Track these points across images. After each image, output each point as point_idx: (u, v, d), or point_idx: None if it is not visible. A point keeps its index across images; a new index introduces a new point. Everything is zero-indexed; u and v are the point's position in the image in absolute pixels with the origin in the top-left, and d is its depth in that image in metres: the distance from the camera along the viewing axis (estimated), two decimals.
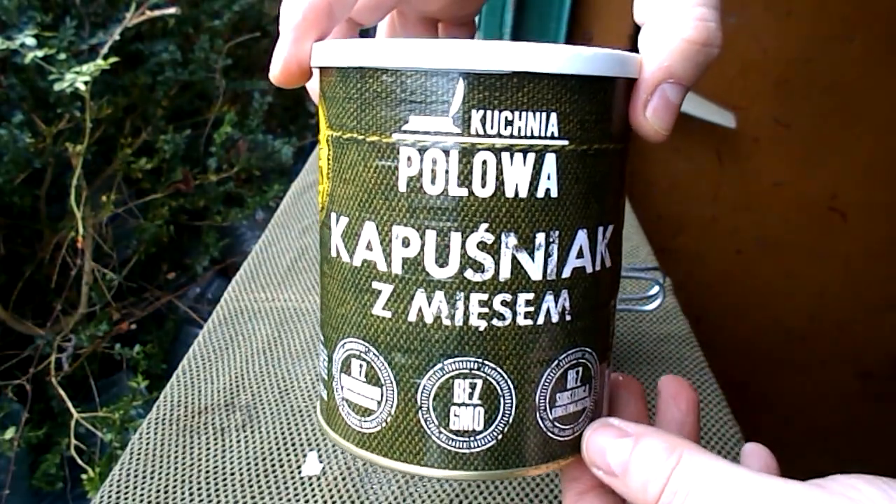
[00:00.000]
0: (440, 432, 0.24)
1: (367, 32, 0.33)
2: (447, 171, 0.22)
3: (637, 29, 0.25)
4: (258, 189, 1.55)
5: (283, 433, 0.45)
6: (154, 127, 1.36)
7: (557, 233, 0.23)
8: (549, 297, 0.24)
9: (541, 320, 0.24)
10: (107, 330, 1.24)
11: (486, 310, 0.23)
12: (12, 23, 1.10)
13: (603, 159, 0.24)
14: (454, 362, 0.24)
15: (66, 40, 1.12)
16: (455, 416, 0.24)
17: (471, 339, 0.23)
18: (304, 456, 0.43)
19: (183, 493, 0.41)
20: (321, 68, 0.25)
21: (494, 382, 0.24)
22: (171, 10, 1.24)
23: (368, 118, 0.23)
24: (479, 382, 0.24)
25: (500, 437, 0.24)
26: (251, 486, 0.41)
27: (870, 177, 1.15)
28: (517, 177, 0.22)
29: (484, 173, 0.22)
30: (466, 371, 0.24)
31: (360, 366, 0.25)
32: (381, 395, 0.25)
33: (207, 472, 0.42)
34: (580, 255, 0.24)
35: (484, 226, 0.23)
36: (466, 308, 0.23)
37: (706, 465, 0.22)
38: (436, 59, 0.22)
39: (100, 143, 1.27)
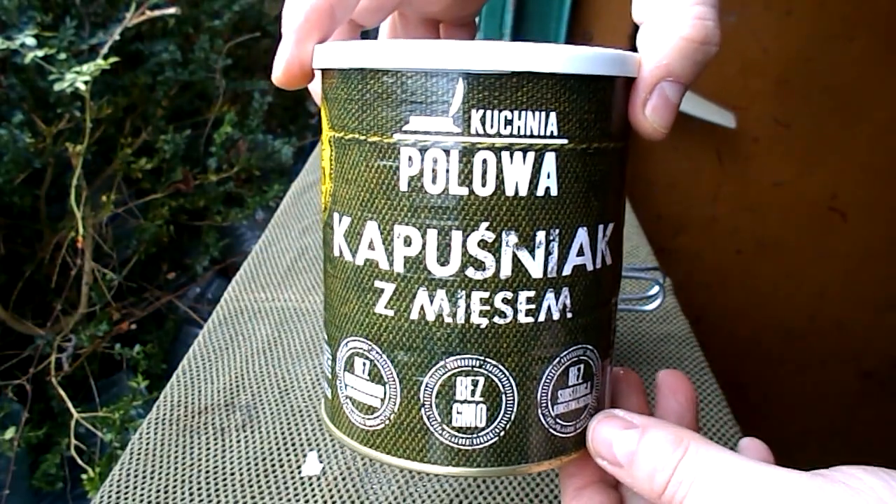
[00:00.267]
0: (443, 429, 0.24)
1: (368, 34, 0.33)
2: (448, 171, 0.22)
3: (637, 28, 0.25)
4: (258, 189, 1.55)
5: (283, 433, 0.45)
6: (154, 127, 1.36)
7: (558, 231, 0.23)
8: (550, 295, 0.24)
9: (542, 318, 0.24)
10: (107, 330, 1.24)
11: (487, 307, 0.23)
12: (12, 23, 1.10)
13: (602, 158, 0.24)
14: (456, 360, 0.24)
15: (66, 40, 1.12)
16: (457, 413, 0.24)
17: (472, 337, 0.24)
18: (304, 456, 0.43)
19: (183, 493, 0.41)
20: (323, 70, 0.26)
21: (496, 380, 0.24)
22: (171, 10, 1.24)
23: (370, 119, 0.23)
24: (481, 380, 0.24)
25: (502, 433, 0.24)
26: (251, 486, 0.41)
27: (870, 177, 1.15)
28: (517, 175, 0.23)
29: (484, 172, 0.22)
30: (468, 368, 0.24)
31: (364, 364, 0.25)
32: (385, 393, 0.25)
33: (207, 472, 0.42)
34: (580, 252, 0.24)
35: (484, 224, 0.23)
36: (468, 306, 0.23)
37: (712, 456, 0.23)
38: (435, 60, 0.22)
39: (100, 143, 1.27)
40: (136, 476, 0.42)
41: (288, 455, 0.43)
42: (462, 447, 0.24)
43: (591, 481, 0.28)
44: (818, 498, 0.20)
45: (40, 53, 1.03)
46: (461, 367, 0.24)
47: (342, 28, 0.29)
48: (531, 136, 0.22)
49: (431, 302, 0.23)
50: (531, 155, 0.22)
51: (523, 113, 0.22)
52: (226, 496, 0.40)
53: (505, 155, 0.22)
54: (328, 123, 0.26)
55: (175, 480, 0.41)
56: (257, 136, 1.52)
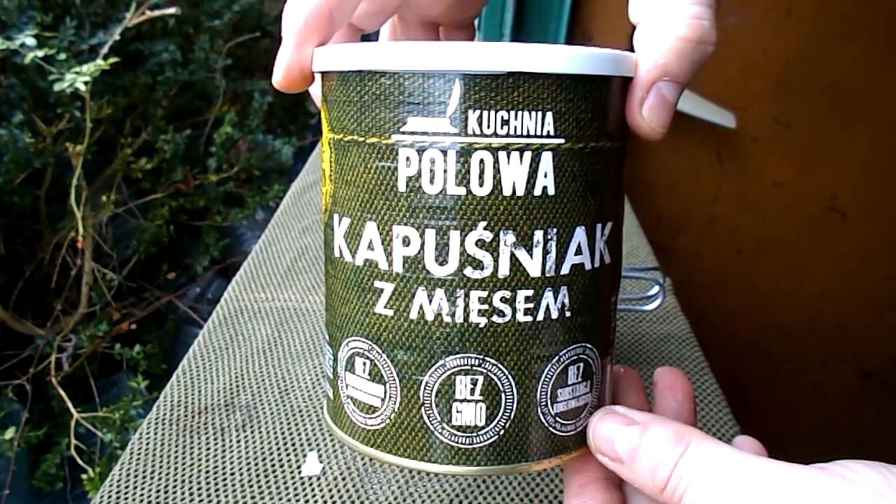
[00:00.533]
0: (443, 428, 0.24)
1: (369, 38, 0.33)
2: (445, 171, 0.23)
3: (635, 28, 0.25)
4: (258, 189, 1.55)
5: (283, 433, 0.45)
6: (154, 127, 1.36)
7: (555, 230, 0.23)
8: (549, 294, 0.24)
9: (540, 317, 0.24)
10: (107, 330, 1.24)
11: (485, 307, 0.23)
12: (12, 23, 1.10)
13: (599, 157, 0.24)
14: (455, 359, 0.24)
15: (66, 40, 1.13)
16: (457, 412, 0.24)
17: (471, 336, 0.24)
18: (304, 456, 0.43)
19: (183, 493, 0.41)
20: (322, 73, 0.26)
21: (495, 378, 0.24)
22: (171, 10, 1.24)
23: (368, 120, 0.24)
24: (481, 379, 0.24)
25: (501, 432, 0.24)
26: (251, 486, 0.41)
27: (870, 177, 1.15)
28: (514, 175, 0.23)
29: (481, 172, 0.22)
30: (468, 367, 0.24)
31: (364, 364, 0.25)
32: (385, 393, 0.25)
33: (207, 472, 0.42)
34: (578, 251, 0.24)
35: (482, 224, 0.23)
36: (466, 305, 0.23)
37: (713, 451, 0.23)
38: (432, 61, 0.22)
39: (100, 143, 1.27)
40: (136, 476, 0.42)
41: (288, 455, 0.44)
42: (462, 446, 0.24)
43: (594, 479, 0.28)
44: (817, 490, 0.21)
45: (40, 53, 1.03)
46: (460, 366, 0.24)
47: (342, 32, 0.30)
48: (528, 135, 0.22)
49: (430, 301, 0.24)
50: (528, 155, 0.23)
51: (520, 113, 0.22)
52: (226, 496, 0.40)
53: (502, 155, 0.22)
54: (328, 126, 0.26)
55: (175, 480, 0.42)
56: (257, 136, 1.52)
